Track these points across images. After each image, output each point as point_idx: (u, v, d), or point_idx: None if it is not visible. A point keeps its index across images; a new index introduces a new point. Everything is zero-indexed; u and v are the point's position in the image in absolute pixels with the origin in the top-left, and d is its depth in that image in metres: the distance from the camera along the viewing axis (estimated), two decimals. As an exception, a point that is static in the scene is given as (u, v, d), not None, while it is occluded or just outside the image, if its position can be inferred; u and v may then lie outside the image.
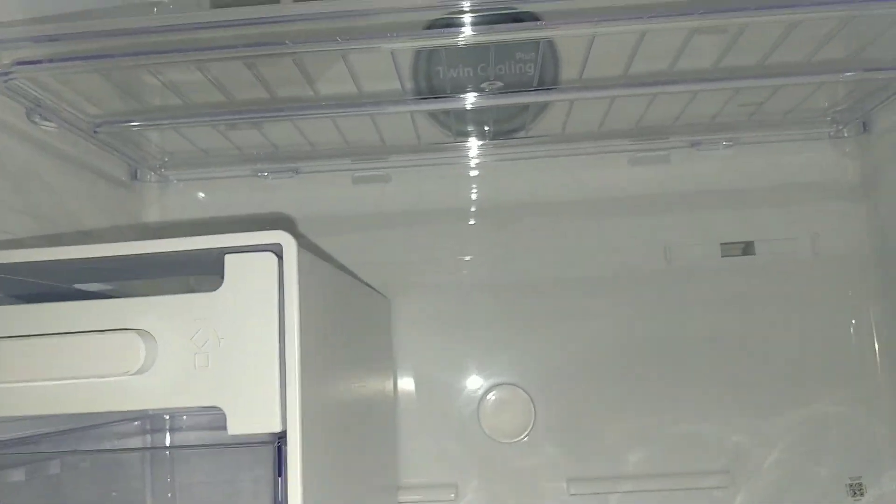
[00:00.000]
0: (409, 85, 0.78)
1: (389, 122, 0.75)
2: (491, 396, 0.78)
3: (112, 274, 0.51)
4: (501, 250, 0.80)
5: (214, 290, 0.40)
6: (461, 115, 0.77)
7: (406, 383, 0.79)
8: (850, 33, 0.63)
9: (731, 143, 0.79)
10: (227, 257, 0.40)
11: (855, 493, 0.74)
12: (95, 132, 0.67)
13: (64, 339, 0.39)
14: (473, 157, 0.81)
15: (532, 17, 0.58)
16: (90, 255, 0.43)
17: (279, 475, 0.40)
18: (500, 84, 0.66)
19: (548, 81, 0.77)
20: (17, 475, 0.52)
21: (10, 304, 0.43)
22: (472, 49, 0.63)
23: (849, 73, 0.68)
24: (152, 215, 0.81)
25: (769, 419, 0.76)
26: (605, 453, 0.76)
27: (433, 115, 0.79)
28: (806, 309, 0.77)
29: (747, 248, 0.80)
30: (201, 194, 0.82)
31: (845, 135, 0.78)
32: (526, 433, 0.77)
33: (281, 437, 0.39)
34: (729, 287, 0.78)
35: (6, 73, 0.55)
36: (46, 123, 0.63)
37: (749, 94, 0.71)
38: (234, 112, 0.67)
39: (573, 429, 0.77)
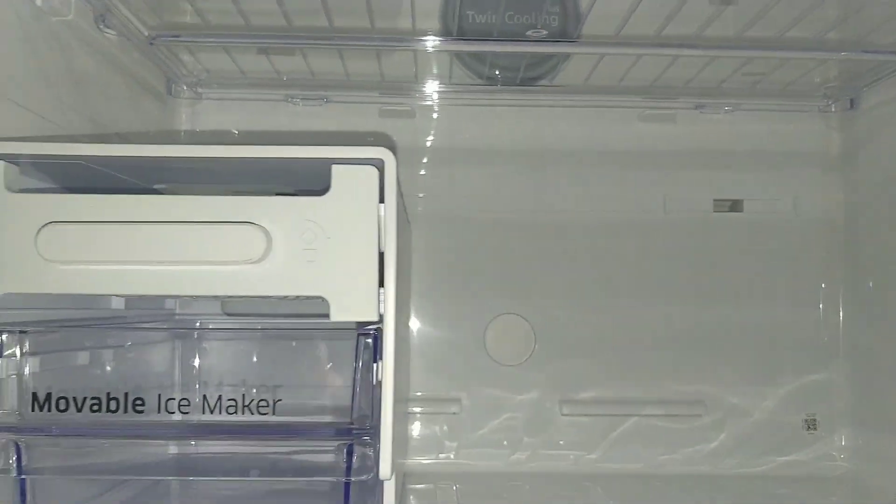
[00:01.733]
0: (437, 25, 0.82)
1: (419, 59, 0.79)
2: (496, 323, 0.85)
3: (194, 176, 0.55)
4: (515, 191, 0.86)
5: (321, 194, 0.45)
6: (488, 59, 0.82)
7: (418, 306, 0.85)
8: (846, 18, 0.70)
9: (731, 109, 0.86)
10: (335, 167, 0.45)
11: (809, 427, 0.85)
12: (151, 43, 0.70)
13: (194, 227, 0.43)
14: (496, 101, 0.86)
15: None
16: (201, 155, 0.47)
17: (375, 360, 0.46)
18: (544, 32, 0.71)
19: (570, 35, 0.82)
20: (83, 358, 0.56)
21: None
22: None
23: (843, 53, 0.77)
24: (182, 128, 0.84)
25: (742, 359, 0.85)
26: (596, 380, 0.84)
27: (460, 57, 0.84)
28: (782, 264, 0.86)
29: (735, 206, 0.88)
30: (231, 113, 0.85)
31: (833, 110, 0.86)
32: (526, 358, 0.85)
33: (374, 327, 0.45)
34: (717, 239, 0.87)
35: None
36: (109, 31, 0.66)
37: (755, 65, 0.78)
38: (284, 36, 0.71)
39: (569, 357, 0.85)
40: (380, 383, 0.46)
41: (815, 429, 0.85)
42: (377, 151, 0.45)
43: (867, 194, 0.82)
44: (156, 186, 0.55)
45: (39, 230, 0.43)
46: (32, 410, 0.45)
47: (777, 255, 0.86)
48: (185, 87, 0.82)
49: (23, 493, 0.48)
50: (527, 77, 0.84)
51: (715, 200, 0.88)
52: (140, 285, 0.44)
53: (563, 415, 0.84)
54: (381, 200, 0.45)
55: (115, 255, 0.43)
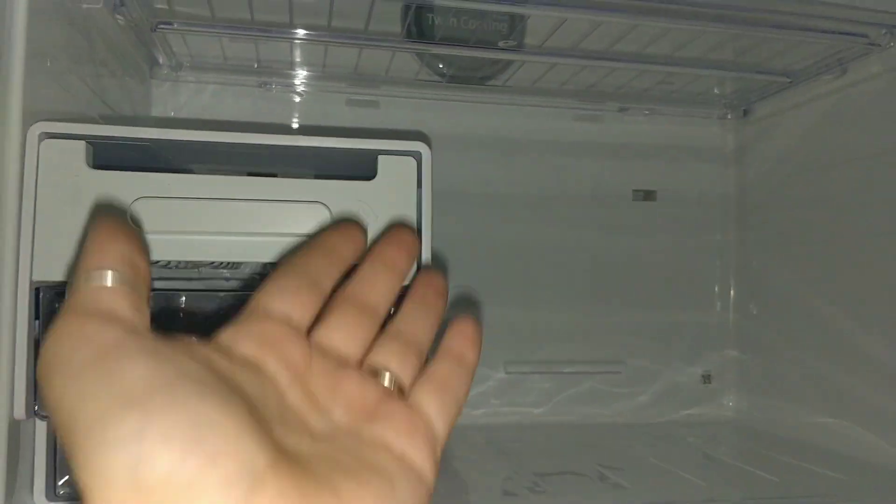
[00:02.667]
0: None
1: (389, 58, 0.88)
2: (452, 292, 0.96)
3: (231, 159, 0.62)
4: (463, 172, 0.97)
5: (369, 181, 0.54)
6: (447, 59, 0.92)
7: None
8: (749, 49, 0.87)
9: (649, 113, 1.01)
10: (381, 157, 0.55)
11: (706, 381, 1.02)
12: (154, 30, 0.74)
13: (271, 204, 0.51)
14: (453, 97, 0.96)
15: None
16: (253, 143, 0.55)
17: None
18: (514, 43, 0.82)
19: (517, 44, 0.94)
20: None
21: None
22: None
23: (738, 73, 0.93)
24: (160, 111, 0.89)
25: (652, 325, 1.01)
26: (536, 345, 0.98)
27: (421, 56, 0.93)
28: (686, 244, 1.03)
29: (649, 195, 1.04)
30: (208, 97, 0.91)
31: (729, 117, 1.03)
32: (476, 325, 0.96)
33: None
34: (634, 222, 1.02)
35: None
36: (120, 17, 0.70)
37: (672, 79, 0.94)
38: (281, 31, 0.78)
39: (514, 322, 0.97)
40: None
41: (710, 382, 1.02)
42: (416, 145, 0.55)
43: (754, 186, 1.00)
44: (191, 166, 0.62)
45: (132, 202, 0.50)
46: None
47: (681, 235, 1.03)
48: (167, 70, 0.87)
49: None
50: (482, 77, 0.95)
51: (634, 190, 1.03)
52: (220, 253, 0.51)
53: (507, 373, 0.96)
54: (419, 186, 0.55)
55: (201, 227, 0.50)
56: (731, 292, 1.03)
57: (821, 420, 0.85)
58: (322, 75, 0.90)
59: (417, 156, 0.55)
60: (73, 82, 0.61)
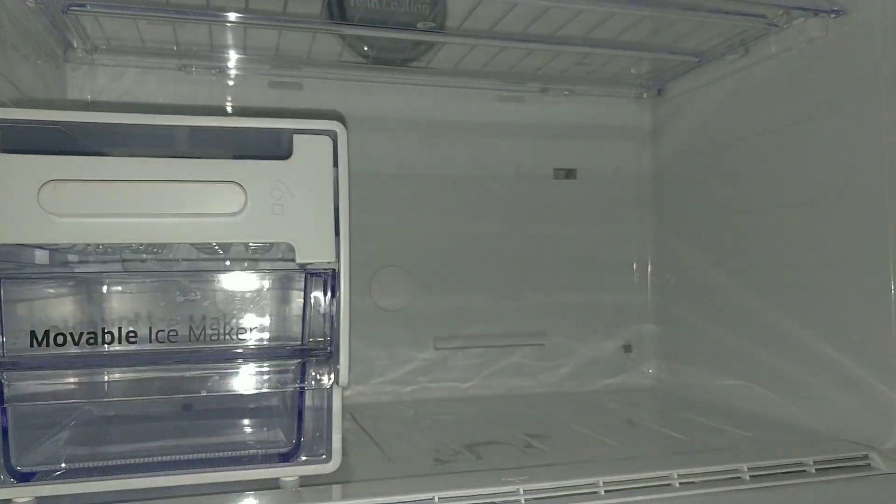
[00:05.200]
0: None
1: (310, 39, 0.89)
2: (380, 275, 0.98)
3: (147, 143, 0.62)
4: (388, 154, 0.98)
5: (285, 159, 0.55)
6: (370, 41, 0.93)
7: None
8: (660, 29, 0.90)
9: (568, 93, 1.04)
10: (296, 136, 0.55)
11: (626, 350, 1.07)
12: (65, 12, 0.73)
13: (185, 185, 0.51)
14: (376, 79, 0.97)
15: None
16: (168, 124, 0.55)
17: (325, 294, 0.57)
18: (432, 24, 0.83)
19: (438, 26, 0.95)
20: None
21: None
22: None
23: (655, 53, 0.97)
24: (76, 95, 0.87)
25: (574, 298, 1.05)
26: (463, 321, 1.00)
27: (344, 38, 0.94)
28: (605, 222, 1.07)
29: (570, 174, 1.07)
30: (124, 80, 0.89)
31: (644, 96, 1.07)
32: (406, 303, 0.98)
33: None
34: (556, 201, 1.05)
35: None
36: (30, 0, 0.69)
37: (589, 60, 0.97)
38: (195, 11, 0.77)
39: (441, 301, 0.99)
40: (324, 315, 0.58)
41: (630, 351, 1.07)
42: (331, 125, 0.56)
43: (668, 163, 1.05)
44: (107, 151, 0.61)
45: (42, 186, 0.49)
46: (31, 346, 0.51)
47: (601, 213, 1.07)
48: (82, 54, 0.85)
49: (3, 417, 0.54)
50: (404, 59, 0.96)
51: (555, 169, 1.06)
52: (133, 234, 0.52)
53: (436, 349, 0.99)
54: (335, 165, 0.56)
55: (112, 209, 0.51)
56: (649, 268, 1.08)
57: (730, 382, 0.90)
58: (244, 57, 0.89)
59: (333, 135, 0.56)
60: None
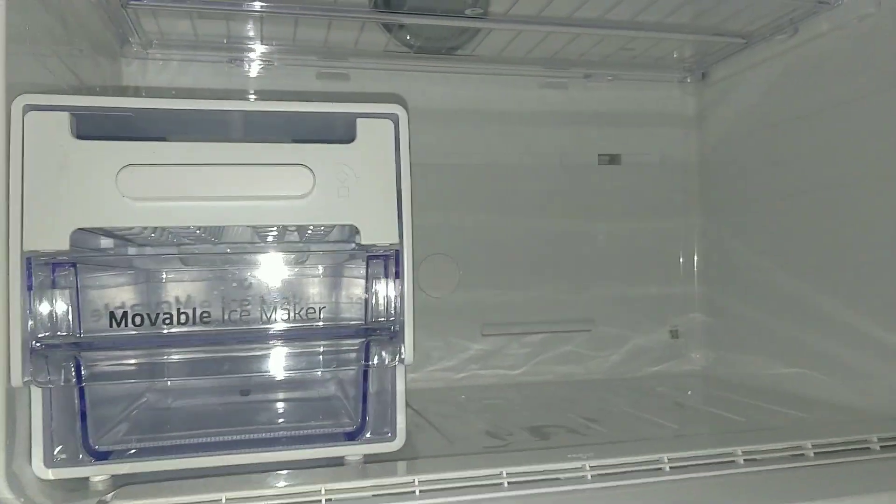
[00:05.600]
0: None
1: (357, 31, 0.90)
2: (425, 262, 0.98)
3: (207, 129, 0.63)
4: (438, 145, 0.99)
5: (349, 143, 0.56)
6: (415, 30, 0.94)
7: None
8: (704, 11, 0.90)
9: (612, 78, 1.04)
10: (359, 120, 0.56)
11: (673, 336, 1.06)
12: (124, 7, 0.75)
13: (255, 168, 0.53)
14: (422, 67, 0.98)
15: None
16: (236, 109, 0.56)
17: (386, 276, 0.58)
18: (480, 11, 0.84)
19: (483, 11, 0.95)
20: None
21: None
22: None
23: (696, 36, 0.96)
24: (132, 86, 0.89)
25: (621, 284, 1.05)
26: (511, 307, 1.01)
27: (389, 27, 0.95)
28: (650, 207, 1.07)
29: (614, 159, 1.07)
30: (176, 73, 0.91)
31: (688, 81, 1.07)
32: (452, 290, 0.99)
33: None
34: (602, 186, 1.05)
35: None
36: (90, -6, 0.71)
37: (632, 44, 0.96)
38: (244, 4, 0.79)
39: (489, 288, 1.00)
40: (389, 296, 0.59)
41: (678, 337, 1.06)
42: (393, 108, 0.57)
43: (714, 145, 1.04)
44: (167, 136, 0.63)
45: (119, 171, 0.51)
46: (111, 326, 0.53)
47: (647, 196, 1.06)
48: (137, 48, 0.87)
49: (82, 398, 0.55)
50: (449, 47, 0.96)
51: (599, 155, 1.06)
52: (206, 217, 0.53)
53: (483, 335, 0.99)
54: (397, 147, 0.57)
55: (186, 192, 0.52)
56: (695, 257, 1.07)
57: (779, 367, 0.90)
58: (292, 48, 0.91)
59: (394, 118, 0.57)
60: (50, 61, 0.62)
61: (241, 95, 0.92)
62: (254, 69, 0.93)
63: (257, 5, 0.79)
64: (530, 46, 0.94)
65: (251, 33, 0.87)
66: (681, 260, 1.08)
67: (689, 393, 0.95)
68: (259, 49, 0.91)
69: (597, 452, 0.56)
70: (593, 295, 1.04)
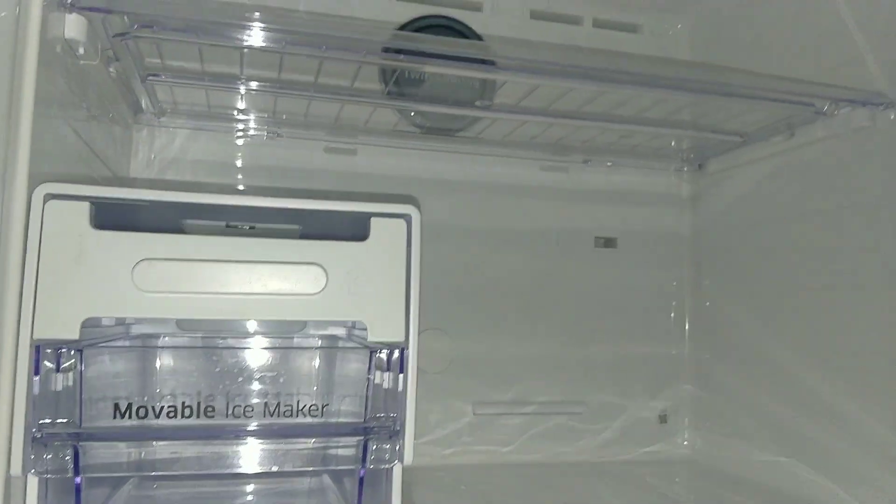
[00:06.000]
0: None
1: (369, 111, 0.92)
2: (418, 336, 0.99)
3: (219, 214, 0.64)
4: (434, 216, 1.00)
5: (362, 241, 0.57)
6: (425, 113, 0.96)
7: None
8: (705, 114, 0.93)
9: (611, 164, 1.07)
10: (373, 219, 0.58)
11: (662, 421, 1.07)
12: (143, 81, 0.76)
13: (272, 266, 0.54)
14: (425, 147, 1.00)
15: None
16: (252, 205, 0.57)
17: (401, 371, 0.58)
18: (489, 103, 0.86)
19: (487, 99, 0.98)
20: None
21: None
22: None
23: (695, 133, 0.99)
24: (143, 154, 0.90)
25: (612, 367, 1.06)
26: (503, 384, 1.01)
27: (400, 109, 0.97)
28: (643, 287, 1.08)
29: (609, 242, 1.09)
30: (189, 142, 0.92)
31: (685, 170, 1.09)
32: (446, 367, 0.99)
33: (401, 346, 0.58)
34: (596, 266, 1.07)
35: (123, 34, 0.64)
36: (113, 70, 0.72)
37: (634, 135, 0.99)
38: (264, 85, 0.81)
39: (481, 365, 1.00)
40: (390, 391, 0.59)
41: (666, 422, 1.07)
42: (407, 209, 0.58)
43: (707, 234, 1.07)
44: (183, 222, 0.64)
45: (136, 265, 0.51)
46: (115, 418, 0.53)
47: (641, 278, 1.08)
48: (150, 117, 0.88)
49: (77, 492, 0.55)
50: (456, 129, 0.98)
51: (595, 237, 1.08)
52: (218, 311, 0.54)
53: (475, 414, 0.99)
54: (409, 246, 0.58)
55: (200, 286, 0.53)
56: (686, 334, 1.09)
57: (771, 458, 0.90)
58: (303, 123, 0.92)
59: (408, 218, 0.58)
60: (67, 133, 0.63)
61: (249, 165, 0.94)
62: (262, 140, 0.94)
63: (280, 87, 0.81)
64: (534, 133, 0.97)
65: (263, 106, 0.89)
66: (671, 344, 1.09)
67: (675, 484, 0.96)
68: (269, 121, 0.92)
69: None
70: (582, 373, 1.04)
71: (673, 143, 1.06)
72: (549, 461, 1.00)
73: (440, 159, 1.01)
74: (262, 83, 0.81)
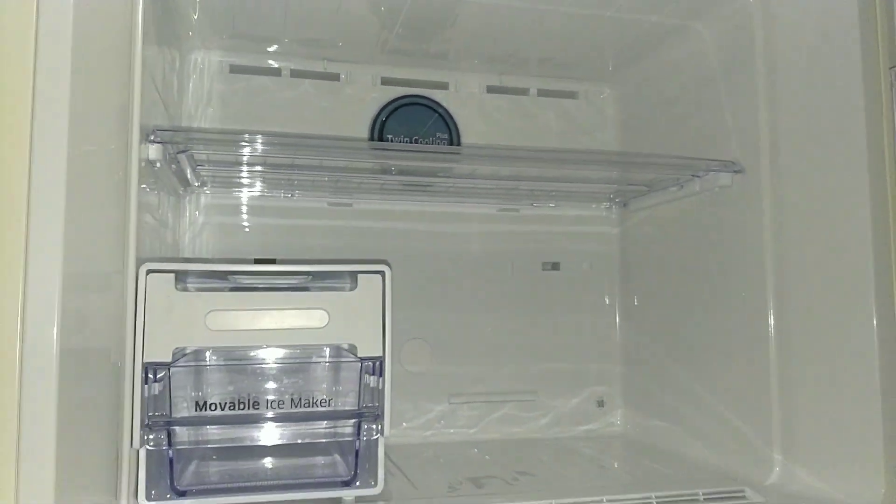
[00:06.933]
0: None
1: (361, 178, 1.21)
2: (406, 345, 1.28)
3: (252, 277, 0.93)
4: (419, 257, 1.30)
5: (352, 291, 0.86)
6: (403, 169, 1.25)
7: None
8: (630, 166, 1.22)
9: (554, 206, 1.35)
10: (360, 275, 0.87)
11: (599, 405, 1.36)
12: (196, 168, 1.06)
13: (294, 311, 0.83)
14: (406, 199, 1.29)
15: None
16: (280, 270, 0.87)
17: (381, 375, 0.87)
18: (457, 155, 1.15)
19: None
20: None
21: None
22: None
23: (616, 186, 1.28)
24: (190, 217, 1.20)
25: (558, 363, 1.35)
26: (472, 381, 1.30)
27: (384, 172, 1.25)
28: (582, 302, 1.37)
29: (555, 266, 1.37)
30: (222, 204, 1.22)
31: (612, 209, 1.38)
32: (425, 367, 1.29)
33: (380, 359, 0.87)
34: (545, 287, 1.36)
35: (184, 151, 0.94)
36: (175, 165, 1.01)
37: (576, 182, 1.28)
38: (297, 171, 1.10)
39: (455, 365, 1.30)
40: (374, 389, 0.88)
41: (603, 406, 1.36)
42: (382, 267, 0.87)
43: (631, 257, 1.35)
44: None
45: (207, 314, 0.81)
46: (196, 411, 0.82)
47: (580, 294, 1.37)
48: (195, 187, 1.18)
49: (171, 462, 0.84)
50: (427, 184, 1.27)
51: (542, 263, 1.37)
52: (258, 340, 0.83)
53: (450, 403, 1.29)
54: (383, 293, 0.87)
55: (247, 326, 0.82)
56: (618, 336, 1.38)
57: (669, 429, 1.19)
58: (311, 186, 1.21)
59: (384, 274, 0.87)
60: (149, 220, 0.92)
61: (277, 216, 1.23)
62: (281, 199, 1.24)
63: (300, 171, 1.10)
64: (490, 186, 1.25)
65: (282, 179, 1.18)
66: (606, 342, 1.38)
67: (607, 454, 1.25)
68: (285, 186, 1.21)
69: (555, 493, 0.85)
70: (533, 369, 1.33)
71: (605, 189, 1.35)
72: (506, 438, 1.29)
73: (417, 204, 1.30)
74: (276, 169, 1.10)
